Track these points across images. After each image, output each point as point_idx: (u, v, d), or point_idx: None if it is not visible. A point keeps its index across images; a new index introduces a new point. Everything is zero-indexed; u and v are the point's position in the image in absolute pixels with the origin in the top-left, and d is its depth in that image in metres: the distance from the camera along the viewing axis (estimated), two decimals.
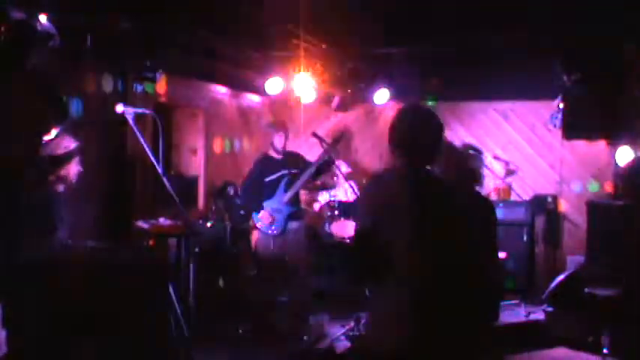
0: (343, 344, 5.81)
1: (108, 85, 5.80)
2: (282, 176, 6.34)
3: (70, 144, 4.41)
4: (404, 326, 2.75)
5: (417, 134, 2.93)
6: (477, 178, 3.67)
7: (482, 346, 3.04)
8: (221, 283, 6.37)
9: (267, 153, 6.50)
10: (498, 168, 8.25)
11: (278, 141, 6.37)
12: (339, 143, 6.55)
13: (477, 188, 3.61)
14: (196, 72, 7.08)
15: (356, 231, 2.92)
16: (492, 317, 3.27)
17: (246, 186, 6.50)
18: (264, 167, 6.41)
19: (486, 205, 3.47)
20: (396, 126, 2.97)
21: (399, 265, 2.76)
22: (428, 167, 2.97)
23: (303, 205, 6.85)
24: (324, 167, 6.51)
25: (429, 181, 2.96)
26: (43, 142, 4.34)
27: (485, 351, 3.12)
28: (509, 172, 8.26)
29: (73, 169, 4.44)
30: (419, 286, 2.76)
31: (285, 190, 6.30)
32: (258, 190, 6.39)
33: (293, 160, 6.45)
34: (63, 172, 4.39)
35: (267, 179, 6.34)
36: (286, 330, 6.21)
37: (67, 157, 4.37)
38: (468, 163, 3.81)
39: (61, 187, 4.45)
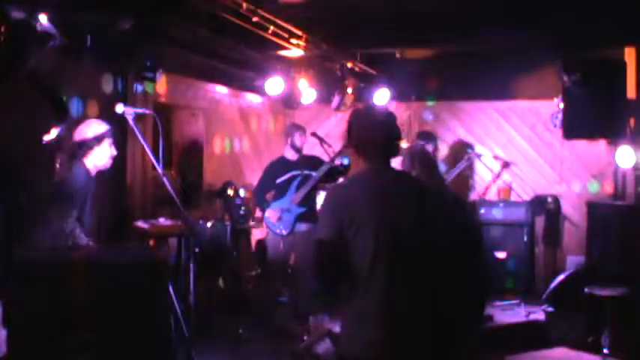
0: None
1: (108, 85, 5.80)
2: (294, 177, 6.35)
3: (99, 128, 4.41)
4: (375, 332, 2.66)
5: (378, 133, 2.84)
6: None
7: (463, 352, 2.95)
8: (221, 283, 6.36)
9: (283, 155, 6.56)
10: (495, 165, 8.27)
11: (299, 140, 6.45)
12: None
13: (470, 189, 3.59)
14: (196, 72, 7.08)
15: (318, 241, 2.76)
16: (474, 320, 3.15)
17: (259, 187, 6.54)
18: (277, 169, 6.47)
19: (463, 206, 3.40)
20: (355, 128, 2.87)
21: (370, 270, 2.66)
22: (392, 166, 2.90)
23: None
24: (343, 171, 6.51)
25: (399, 181, 2.88)
26: (72, 129, 4.33)
27: (466, 356, 3.02)
28: (505, 165, 8.28)
29: (106, 152, 4.44)
30: (394, 290, 2.67)
31: (297, 191, 6.31)
32: (269, 192, 6.42)
33: (308, 162, 6.48)
34: (94, 156, 4.38)
35: (278, 180, 6.38)
36: (286, 330, 6.22)
37: (96, 141, 4.37)
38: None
39: (94, 172, 4.42)
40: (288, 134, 6.56)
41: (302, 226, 6.33)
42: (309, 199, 6.43)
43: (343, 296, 2.77)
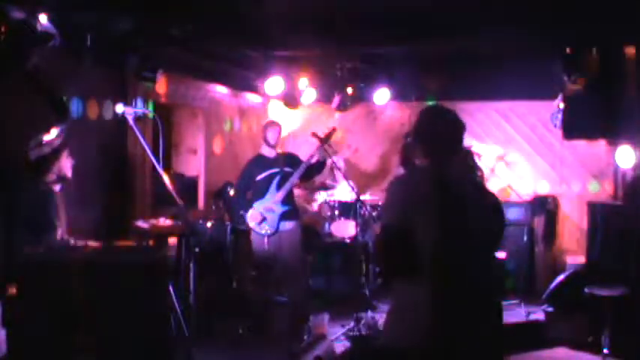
0: (343, 344, 5.82)
1: (108, 85, 5.80)
2: (274, 175, 6.19)
3: (53, 140, 4.37)
4: (432, 321, 2.76)
5: (444, 133, 3.00)
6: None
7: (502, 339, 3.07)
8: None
9: (260, 152, 6.39)
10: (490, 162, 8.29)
11: (271, 135, 6.26)
12: (329, 140, 6.42)
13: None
14: (196, 72, 7.08)
15: (384, 227, 2.93)
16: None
17: (239, 187, 6.36)
18: (255, 166, 6.29)
19: (499, 203, 3.48)
20: (424, 126, 3.02)
21: (429, 262, 2.78)
22: (451, 163, 3.01)
23: (299, 204, 6.74)
24: (319, 168, 6.45)
25: (456, 179, 2.97)
26: (44, 142, 4.32)
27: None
28: (500, 159, 8.28)
29: (65, 163, 4.41)
30: (449, 282, 2.79)
31: (278, 189, 6.15)
32: (248, 190, 6.31)
33: (287, 159, 6.34)
34: (55, 170, 4.36)
35: (258, 178, 6.20)
36: (286, 330, 6.21)
37: (53, 154, 4.34)
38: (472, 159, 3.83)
39: (57, 187, 4.42)
40: (262, 130, 6.42)
41: (287, 224, 6.19)
42: (291, 197, 6.31)
43: (398, 284, 2.88)
